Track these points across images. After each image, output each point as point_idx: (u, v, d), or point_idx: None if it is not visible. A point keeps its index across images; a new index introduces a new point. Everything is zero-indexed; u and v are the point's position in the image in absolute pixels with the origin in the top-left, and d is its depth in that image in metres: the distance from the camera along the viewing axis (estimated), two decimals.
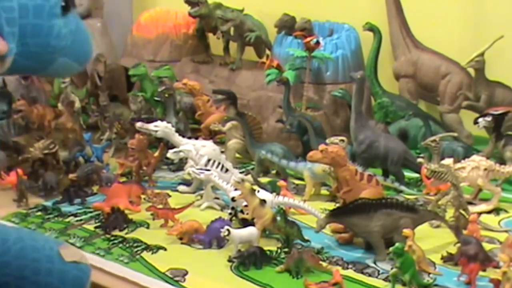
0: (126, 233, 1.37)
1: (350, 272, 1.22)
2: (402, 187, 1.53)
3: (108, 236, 1.35)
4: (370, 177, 1.41)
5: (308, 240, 1.32)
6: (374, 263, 1.25)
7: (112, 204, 1.41)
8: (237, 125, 1.70)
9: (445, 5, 1.95)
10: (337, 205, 1.44)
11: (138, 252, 1.30)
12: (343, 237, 1.33)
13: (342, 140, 1.51)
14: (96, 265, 1.24)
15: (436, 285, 1.18)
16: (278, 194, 1.42)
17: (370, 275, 1.21)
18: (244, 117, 1.70)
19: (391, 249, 1.15)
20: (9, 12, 0.98)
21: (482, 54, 1.76)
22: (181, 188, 1.60)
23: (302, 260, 1.21)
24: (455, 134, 1.69)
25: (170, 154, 1.55)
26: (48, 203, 1.51)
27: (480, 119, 1.65)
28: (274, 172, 1.66)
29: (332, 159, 1.38)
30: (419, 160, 1.44)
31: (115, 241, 1.34)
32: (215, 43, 2.02)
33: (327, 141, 1.51)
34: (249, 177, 1.54)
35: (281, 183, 1.48)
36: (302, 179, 1.56)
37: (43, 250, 1.09)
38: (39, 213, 1.46)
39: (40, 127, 1.75)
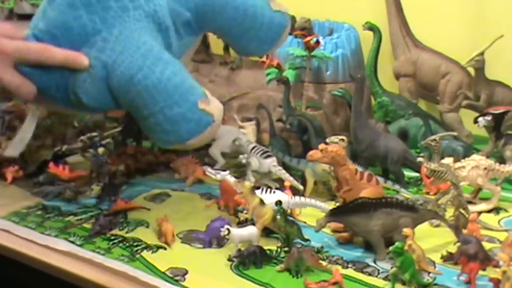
0: (126, 233, 1.37)
1: (350, 271, 1.22)
2: (402, 190, 1.51)
3: (108, 235, 1.35)
4: (370, 177, 1.41)
5: (308, 239, 1.32)
6: (374, 262, 1.25)
7: (226, 201, 1.43)
8: None
9: (445, 4, 1.95)
10: (337, 204, 1.44)
11: (138, 251, 1.30)
12: (343, 236, 1.33)
13: (342, 140, 1.51)
14: (96, 261, 1.25)
15: (436, 284, 1.18)
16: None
17: (370, 274, 1.22)
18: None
19: (391, 248, 1.16)
20: None
21: (482, 54, 1.76)
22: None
23: (302, 259, 1.21)
24: (455, 134, 1.69)
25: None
26: (48, 202, 1.51)
27: (480, 118, 1.65)
28: None
29: (332, 159, 1.38)
30: (419, 159, 1.44)
31: (115, 241, 1.34)
32: (215, 42, 2.02)
33: (327, 140, 1.51)
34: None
35: (286, 182, 1.48)
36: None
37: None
38: (39, 212, 1.46)
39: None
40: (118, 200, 1.46)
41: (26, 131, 1.42)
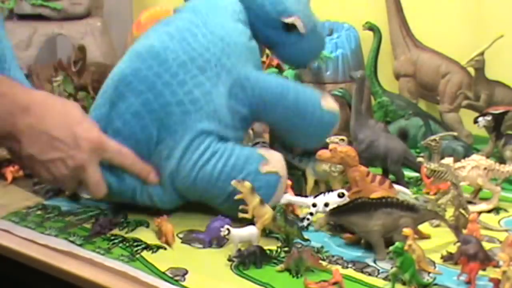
0: (126, 233, 1.37)
1: (350, 271, 1.22)
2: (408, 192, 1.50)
3: (108, 235, 1.35)
4: (382, 180, 1.40)
5: (308, 239, 1.32)
6: (374, 262, 1.25)
7: None
8: None
9: (445, 4, 1.95)
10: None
11: (138, 251, 1.30)
12: (349, 237, 1.33)
13: (342, 140, 1.51)
14: (96, 261, 1.25)
15: (436, 284, 1.18)
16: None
17: (370, 274, 1.21)
18: None
19: (391, 248, 1.15)
20: None
21: (482, 54, 1.76)
22: None
23: (302, 259, 1.21)
24: (455, 134, 1.69)
25: None
26: (48, 202, 1.51)
27: (480, 119, 1.65)
28: None
29: (341, 159, 1.37)
30: (419, 159, 1.44)
31: (115, 241, 1.34)
32: None
33: (327, 140, 1.51)
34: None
35: (288, 182, 1.48)
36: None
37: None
38: (39, 212, 1.46)
39: None
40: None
41: None
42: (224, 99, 1.38)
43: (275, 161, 1.37)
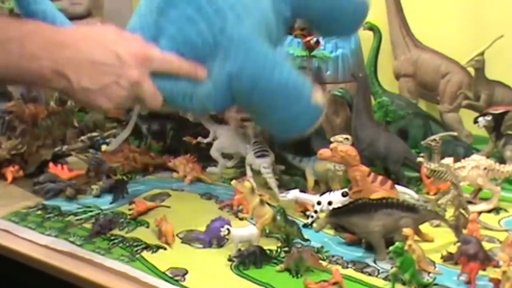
0: (126, 233, 1.37)
1: (350, 271, 1.22)
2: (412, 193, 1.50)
3: (108, 235, 1.35)
4: (384, 180, 1.40)
5: (308, 239, 1.32)
6: (374, 262, 1.25)
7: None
8: None
9: (445, 4, 1.94)
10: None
11: (138, 251, 1.30)
12: (350, 236, 1.33)
13: (347, 139, 1.50)
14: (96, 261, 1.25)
15: (436, 284, 1.18)
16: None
17: (370, 274, 1.21)
18: None
19: (391, 248, 1.15)
20: None
21: (482, 54, 1.75)
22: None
23: (302, 259, 1.21)
24: (455, 134, 1.69)
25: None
26: (48, 202, 1.51)
27: (480, 119, 1.65)
28: None
29: (341, 158, 1.37)
30: (419, 159, 1.44)
31: (115, 241, 1.34)
32: None
33: (331, 139, 1.50)
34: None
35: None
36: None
37: None
38: (39, 212, 1.47)
39: (34, 126, 1.74)
40: (137, 201, 1.46)
41: (127, 129, 1.68)
42: (269, 2, 1.38)
43: (320, 92, 1.40)
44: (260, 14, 1.36)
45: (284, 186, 1.55)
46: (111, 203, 1.49)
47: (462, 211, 1.35)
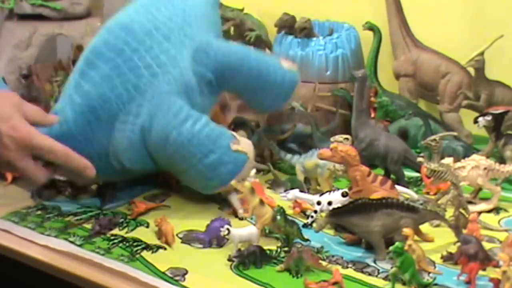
0: (126, 233, 1.37)
1: (350, 271, 1.22)
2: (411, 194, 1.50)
3: (108, 235, 1.35)
4: (384, 180, 1.40)
5: (308, 239, 1.32)
6: (374, 262, 1.25)
7: None
8: None
9: (445, 4, 1.94)
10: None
11: (138, 251, 1.30)
12: (350, 236, 1.33)
13: (347, 139, 1.50)
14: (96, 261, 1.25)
15: (436, 284, 1.18)
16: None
17: (370, 274, 1.22)
18: None
19: (391, 248, 1.16)
20: None
21: (482, 54, 1.75)
22: None
23: (302, 259, 1.21)
24: (455, 134, 1.69)
25: None
26: (48, 202, 1.51)
27: (480, 118, 1.64)
28: None
29: (341, 158, 1.37)
30: (419, 159, 1.44)
31: (115, 241, 1.34)
32: None
33: (331, 139, 1.50)
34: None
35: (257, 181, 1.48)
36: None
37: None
38: (39, 212, 1.46)
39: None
40: (137, 201, 1.46)
41: None
42: (189, 63, 1.43)
43: (245, 143, 1.43)
44: (178, 73, 1.41)
45: (282, 186, 1.55)
46: (99, 208, 1.48)
47: (462, 211, 1.35)
